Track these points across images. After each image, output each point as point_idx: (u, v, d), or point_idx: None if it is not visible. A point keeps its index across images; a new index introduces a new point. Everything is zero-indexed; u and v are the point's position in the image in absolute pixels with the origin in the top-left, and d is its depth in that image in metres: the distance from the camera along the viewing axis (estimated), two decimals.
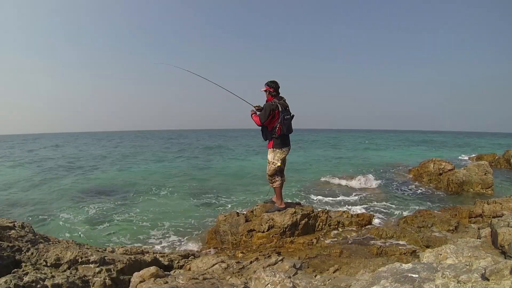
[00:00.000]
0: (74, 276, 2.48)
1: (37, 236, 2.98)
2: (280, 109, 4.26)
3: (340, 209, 6.78)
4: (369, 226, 5.23)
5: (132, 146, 34.32)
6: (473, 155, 20.13)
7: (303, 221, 4.64)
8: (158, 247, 5.25)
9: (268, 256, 3.60)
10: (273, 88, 4.40)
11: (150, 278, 2.19)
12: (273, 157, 4.44)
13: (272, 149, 4.44)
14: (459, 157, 20.37)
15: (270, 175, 4.54)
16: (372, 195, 8.91)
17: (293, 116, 4.43)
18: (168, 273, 2.46)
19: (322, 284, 2.01)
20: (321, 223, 4.93)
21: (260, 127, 4.45)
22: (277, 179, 4.54)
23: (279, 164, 4.43)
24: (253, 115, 4.44)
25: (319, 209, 5.31)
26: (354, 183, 10.61)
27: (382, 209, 7.25)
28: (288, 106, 4.41)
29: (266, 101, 4.42)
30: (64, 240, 3.23)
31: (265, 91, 4.44)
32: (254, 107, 4.52)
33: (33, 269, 2.39)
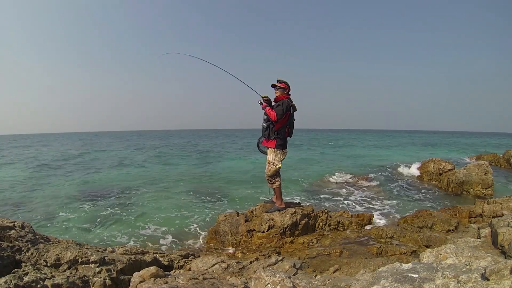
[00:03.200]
0: (74, 276, 2.48)
1: (37, 236, 2.98)
2: (291, 111, 4.27)
3: (340, 209, 6.78)
4: (369, 226, 5.23)
5: (131, 146, 34.33)
6: (473, 155, 20.13)
7: (303, 221, 4.64)
8: (158, 247, 5.25)
9: (268, 256, 3.60)
10: (286, 85, 4.33)
11: (150, 278, 2.19)
12: (273, 157, 4.39)
13: (273, 149, 4.38)
14: (459, 157, 20.37)
15: (269, 175, 4.51)
16: (372, 195, 8.91)
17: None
18: (168, 273, 2.46)
19: (322, 284, 2.01)
20: (321, 223, 4.93)
21: (263, 125, 4.39)
22: (276, 179, 4.52)
23: (279, 165, 4.39)
24: (267, 108, 4.24)
25: (319, 209, 5.31)
26: (354, 183, 10.62)
27: (382, 209, 7.25)
28: (296, 111, 4.39)
29: (277, 98, 4.34)
30: (64, 240, 3.23)
31: (277, 87, 4.33)
32: (263, 97, 4.38)
33: (33, 269, 2.38)
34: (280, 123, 4.25)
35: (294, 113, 4.45)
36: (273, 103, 4.40)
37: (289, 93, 4.40)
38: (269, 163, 4.45)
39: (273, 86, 4.38)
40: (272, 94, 4.44)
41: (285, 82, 4.36)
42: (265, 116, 4.33)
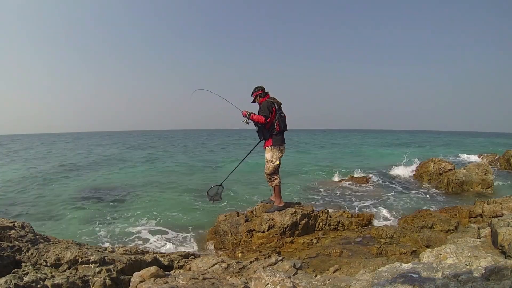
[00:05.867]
0: (74, 276, 2.48)
1: (37, 236, 2.98)
2: (276, 106, 4.39)
3: (340, 209, 6.78)
4: (369, 226, 5.23)
5: (132, 147, 34.33)
6: (473, 155, 20.12)
7: (303, 221, 4.64)
8: (158, 247, 5.25)
9: (268, 256, 3.61)
10: (259, 90, 4.53)
11: (150, 278, 2.19)
12: (271, 155, 4.47)
13: (270, 147, 4.47)
14: (459, 157, 20.36)
15: (269, 173, 4.57)
16: (372, 195, 8.90)
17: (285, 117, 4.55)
18: (168, 273, 2.46)
19: (322, 284, 2.01)
20: (321, 223, 4.93)
21: (256, 128, 4.50)
22: (276, 177, 4.59)
23: (278, 162, 4.48)
24: (252, 116, 4.34)
25: (319, 209, 5.31)
26: (354, 183, 10.61)
27: (382, 209, 7.25)
28: (281, 104, 4.52)
29: (260, 103, 4.49)
30: (64, 240, 3.23)
31: (255, 97, 4.56)
32: (242, 111, 4.48)
33: (33, 269, 2.38)
34: (269, 121, 4.37)
35: (282, 107, 4.57)
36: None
37: (266, 91, 4.55)
38: (267, 161, 4.54)
39: (253, 101, 4.61)
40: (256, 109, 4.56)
41: (257, 88, 4.54)
42: (256, 123, 4.42)
